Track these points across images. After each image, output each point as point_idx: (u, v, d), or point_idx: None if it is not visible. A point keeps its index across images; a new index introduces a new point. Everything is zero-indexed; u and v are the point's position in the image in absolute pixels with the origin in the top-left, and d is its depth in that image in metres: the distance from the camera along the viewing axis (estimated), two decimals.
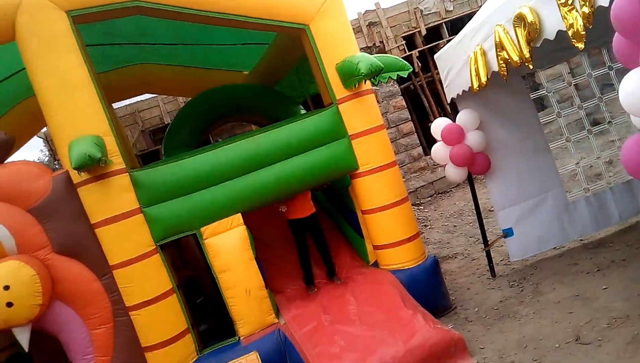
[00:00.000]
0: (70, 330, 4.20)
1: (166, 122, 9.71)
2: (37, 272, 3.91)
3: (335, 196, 5.97)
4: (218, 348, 4.56)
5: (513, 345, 3.98)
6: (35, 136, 8.33)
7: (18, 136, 4.96)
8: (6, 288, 3.77)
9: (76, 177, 4.11)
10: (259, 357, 4.38)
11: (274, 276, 5.42)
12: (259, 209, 5.19)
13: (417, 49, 10.42)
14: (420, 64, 10.40)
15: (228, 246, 4.55)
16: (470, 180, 5.50)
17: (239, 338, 4.58)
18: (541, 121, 5.36)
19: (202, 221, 4.52)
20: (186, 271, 6.14)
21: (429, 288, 4.83)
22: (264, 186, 4.68)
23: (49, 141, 9.58)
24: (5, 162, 4.26)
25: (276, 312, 4.76)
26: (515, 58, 3.72)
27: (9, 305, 3.79)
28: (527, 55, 3.61)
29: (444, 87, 5.29)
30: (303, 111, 6.98)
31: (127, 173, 4.28)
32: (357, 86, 4.73)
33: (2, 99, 6.05)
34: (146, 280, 4.29)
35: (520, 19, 3.53)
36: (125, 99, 8.69)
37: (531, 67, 3.73)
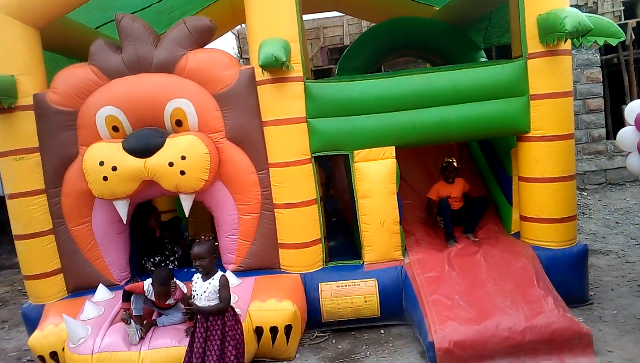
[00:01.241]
0: (223, 209, 4.72)
1: (345, 44, 9.86)
2: (209, 151, 4.39)
3: (493, 155, 5.71)
4: (341, 265, 4.82)
5: None
6: (230, 32, 9.06)
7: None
8: (183, 158, 4.30)
9: (259, 75, 4.44)
10: (377, 285, 4.56)
11: (410, 217, 5.46)
12: (413, 148, 5.21)
13: (637, 19, 9.08)
14: (634, 37, 9.09)
15: (375, 174, 4.65)
16: None
17: (363, 262, 4.78)
18: None
19: (356, 144, 4.65)
20: (330, 190, 6.47)
21: (569, 276, 4.51)
22: (425, 125, 4.63)
23: (239, 39, 10.35)
24: (205, 47, 4.72)
25: (403, 251, 4.84)
26: None
27: (182, 173, 4.33)
28: None
29: None
30: (484, 59, 6.62)
31: (303, 82, 4.51)
32: (555, 43, 4.32)
33: None
34: (296, 184, 4.60)
35: None
36: (314, 12, 8.96)
37: None
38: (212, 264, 3.66)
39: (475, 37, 6.75)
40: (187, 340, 3.75)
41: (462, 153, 6.29)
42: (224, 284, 3.62)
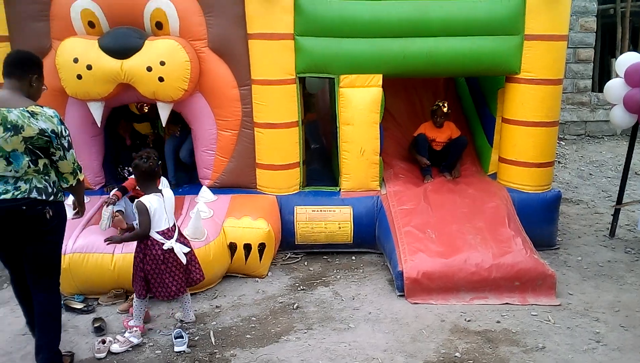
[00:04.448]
0: (202, 123, 4.57)
1: None
2: (190, 59, 4.18)
3: (479, 95, 5.62)
4: (319, 190, 4.81)
5: (604, 304, 3.77)
6: None
7: None
8: (162, 63, 4.08)
9: None
10: (352, 213, 4.57)
11: (390, 150, 5.42)
12: (400, 78, 5.07)
13: None
14: None
15: (359, 101, 4.54)
16: (634, 131, 4.90)
17: (340, 190, 4.77)
18: None
19: (343, 69, 4.49)
20: (312, 115, 6.32)
21: (540, 220, 4.60)
22: (415, 55, 4.47)
23: None
24: None
25: (380, 181, 4.83)
26: None
27: (161, 79, 4.12)
28: None
29: None
30: None
31: None
32: None
33: None
34: (278, 104, 4.47)
35: None
36: None
37: None
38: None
39: None
40: None
41: (449, 90, 6.18)
42: (140, 210, 3.23)
